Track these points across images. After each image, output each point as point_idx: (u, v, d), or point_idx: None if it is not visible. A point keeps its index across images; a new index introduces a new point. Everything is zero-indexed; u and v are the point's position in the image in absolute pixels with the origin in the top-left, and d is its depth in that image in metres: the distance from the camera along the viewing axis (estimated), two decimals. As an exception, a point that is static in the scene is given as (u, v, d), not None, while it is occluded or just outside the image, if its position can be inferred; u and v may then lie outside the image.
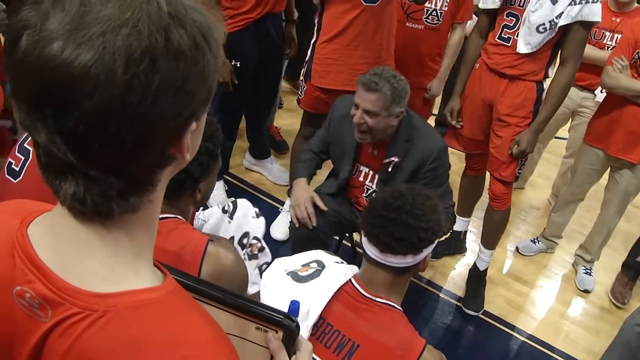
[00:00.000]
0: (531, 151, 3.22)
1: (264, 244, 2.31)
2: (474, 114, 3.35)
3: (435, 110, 4.80)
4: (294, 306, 1.04)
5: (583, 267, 3.94)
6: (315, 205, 2.87)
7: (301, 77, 3.61)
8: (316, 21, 3.43)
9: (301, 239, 2.94)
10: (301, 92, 3.55)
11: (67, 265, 0.77)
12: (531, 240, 4.12)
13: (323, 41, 3.34)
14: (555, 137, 4.56)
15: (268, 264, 2.23)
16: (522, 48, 3.00)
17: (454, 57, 3.72)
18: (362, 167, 3.01)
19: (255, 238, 2.30)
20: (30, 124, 0.70)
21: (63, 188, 0.73)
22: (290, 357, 0.95)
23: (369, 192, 3.01)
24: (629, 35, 3.39)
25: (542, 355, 3.34)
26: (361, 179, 3.02)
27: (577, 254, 4.00)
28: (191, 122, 0.75)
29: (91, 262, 0.77)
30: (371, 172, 2.99)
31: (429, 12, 3.50)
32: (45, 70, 0.66)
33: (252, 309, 0.93)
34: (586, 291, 3.86)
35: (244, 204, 2.41)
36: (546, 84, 3.16)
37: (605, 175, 3.78)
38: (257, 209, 2.41)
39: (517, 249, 4.11)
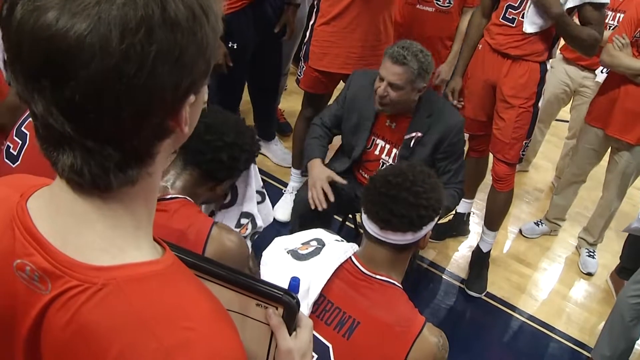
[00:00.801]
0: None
1: (257, 221, 2.30)
2: (477, 95, 3.34)
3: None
4: (294, 282, 1.04)
5: (586, 250, 3.93)
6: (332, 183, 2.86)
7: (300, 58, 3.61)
8: (315, 3, 3.42)
9: (301, 217, 2.96)
10: (300, 73, 3.55)
11: (66, 238, 0.78)
12: (534, 223, 4.12)
13: (321, 23, 3.35)
14: (558, 120, 4.54)
15: (258, 233, 2.24)
16: (528, 28, 2.98)
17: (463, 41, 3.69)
18: (378, 141, 2.99)
19: (245, 214, 2.29)
20: (28, 95, 0.70)
21: (61, 160, 0.73)
22: (290, 334, 0.95)
23: (385, 166, 2.98)
24: (632, 14, 3.36)
25: (544, 336, 3.35)
26: (377, 152, 3.00)
27: (580, 236, 4.00)
28: (189, 95, 0.75)
29: (90, 234, 0.77)
30: (388, 146, 2.97)
31: None
32: (41, 40, 0.66)
33: (252, 286, 0.94)
34: (589, 274, 3.86)
35: None
36: (549, 64, 3.14)
37: (607, 157, 3.77)
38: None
39: (520, 231, 4.11)
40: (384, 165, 2.98)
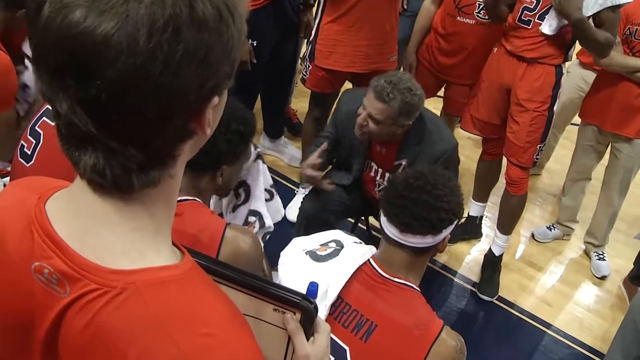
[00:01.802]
0: None
1: (265, 220, 2.27)
2: (491, 98, 3.32)
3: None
4: (313, 287, 1.04)
5: (595, 254, 3.90)
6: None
7: (305, 57, 3.60)
8: (321, 1, 3.41)
9: (309, 220, 2.96)
10: (306, 72, 3.54)
11: (85, 240, 0.77)
12: (547, 227, 4.09)
13: (327, 22, 3.33)
14: (572, 124, 4.51)
15: (269, 233, 2.22)
16: (546, 29, 2.96)
17: None
18: (372, 164, 2.97)
19: (252, 212, 2.26)
20: (52, 94, 0.70)
21: (83, 160, 0.72)
22: (308, 339, 0.94)
23: (380, 187, 2.97)
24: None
25: (556, 341, 3.33)
26: (372, 174, 2.99)
27: (586, 240, 3.96)
28: (213, 96, 0.75)
29: (109, 237, 0.77)
30: (380, 170, 2.95)
31: (481, 6, 3.39)
32: (67, 38, 0.66)
33: (269, 291, 0.93)
34: (603, 277, 3.82)
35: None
36: (565, 67, 3.13)
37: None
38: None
39: (532, 235, 4.09)
40: (380, 187, 2.96)
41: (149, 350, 0.72)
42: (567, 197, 3.98)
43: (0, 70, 2.50)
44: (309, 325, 0.94)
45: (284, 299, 0.92)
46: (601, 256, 3.89)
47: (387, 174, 2.91)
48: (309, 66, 3.51)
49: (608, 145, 3.70)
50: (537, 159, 3.29)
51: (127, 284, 0.74)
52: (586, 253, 4.01)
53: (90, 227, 0.77)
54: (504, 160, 3.46)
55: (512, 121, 3.22)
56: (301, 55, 4.11)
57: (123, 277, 0.74)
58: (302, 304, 0.92)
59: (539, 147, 3.23)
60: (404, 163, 2.81)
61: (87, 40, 0.65)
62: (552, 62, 3.07)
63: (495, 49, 3.26)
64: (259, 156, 2.29)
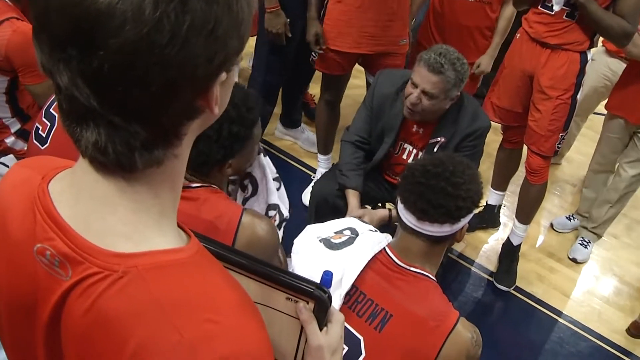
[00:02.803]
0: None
1: (283, 211, 2.24)
2: (513, 86, 3.26)
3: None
4: (327, 277, 1.01)
5: (581, 238, 3.81)
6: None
7: None
8: None
9: (317, 208, 2.94)
10: (315, 54, 3.49)
11: (88, 222, 0.75)
12: (566, 217, 4.03)
13: (334, 2, 3.30)
14: (595, 113, 4.42)
15: (286, 221, 2.19)
16: (555, 6, 2.90)
17: (506, 33, 3.57)
18: (406, 145, 2.93)
19: (271, 206, 2.23)
20: (52, 66, 0.67)
21: (84, 136, 0.70)
22: (321, 329, 0.92)
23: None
24: None
25: (573, 332, 3.29)
26: (404, 156, 2.95)
27: (584, 225, 3.85)
28: (221, 72, 0.72)
29: (112, 219, 0.75)
30: (415, 150, 2.92)
31: None
32: (70, 6, 0.63)
33: (283, 279, 0.91)
34: (574, 260, 3.75)
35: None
36: (590, 54, 3.05)
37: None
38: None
39: (551, 225, 4.03)
40: None
41: (150, 337, 0.70)
42: (587, 189, 3.91)
43: (27, 40, 2.51)
44: (322, 315, 0.92)
45: (297, 287, 0.90)
46: (586, 243, 3.80)
47: (420, 153, 2.88)
48: None
49: (630, 137, 3.60)
50: (558, 147, 3.23)
51: (128, 267, 0.72)
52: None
53: (93, 208, 0.75)
54: (524, 148, 3.41)
55: (534, 109, 3.16)
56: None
57: (125, 260, 0.72)
58: (316, 294, 0.90)
59: (561, 135, 3.17)
60: (441, 140, 2.78)
61: (90, 9, 0.62)
62: (576, 49, 2.99)
63: (518, 34, 3.20)
64: (259, 151, 2.24)
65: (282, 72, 3.76)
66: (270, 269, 0.91)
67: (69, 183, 0.80)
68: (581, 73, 3.03)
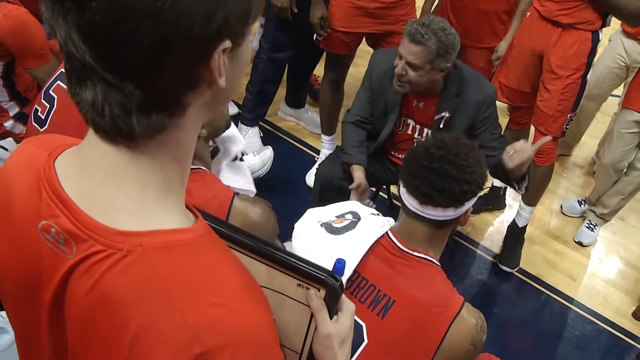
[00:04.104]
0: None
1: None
2: (522, 65, 3.20)
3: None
4: (339, 264, 1.00)
5: (588, 221, 3.76)
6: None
7: None
8: None
9: (322, 190, 2.92)
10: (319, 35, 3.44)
11: (93, 198, 0.73)
12: (578, 201, 3.96)
13: None
14: (612, 95, 4.31)
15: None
16: None
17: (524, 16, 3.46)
18: (409, 121, 2.89)
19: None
20: (54, 20, 0.67)
21: (83, 97, 0.69)
22: (331, 317, 0.90)
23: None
24: None
25: (578, 316, 3.26)
26: (409, 132, 2.91)
27: (592, 209, 3.78)
28: (223, 38, 0.69)
29: (117, 195, 0.73)
30: (418, 126, 2.88)
31: None
32: None
33: (295, 265, 0.89)
34: (580, 244, 3.71)
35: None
36: (602, 34, 2.97)
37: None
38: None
39: (561, 207, 3.97)
40: None
41: (153, 319, 0.69)
42: (600, 181, 3.77)
43: (18, 23, 2.50)
44: (333, 303, 0.90)
45: (309, 274, 0.89)
46: (592, 227, 3.75)
47: (427, 130, 2.84)
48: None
49: None
50: (566, 128, 3.18)
51: (133, 246, 0.70)
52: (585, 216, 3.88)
53: (98, 184, 0.74)
54: (532, 130, 3.36)
55: (544, 89, 3.10)
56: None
57: (129, 238, 0.71)
58: (328, 281, 0.88)
59: (570, 116, 3.11)
60: (445, 115, 2.73)
61: None
62: (588, 28, 2.92)
63: (529, 13, 3.14)
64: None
65: (289, 50, 3.71)
66: (283, 255, 0.90)
67: (76, 159, 0.78)
68: (592, 52, 2.97)
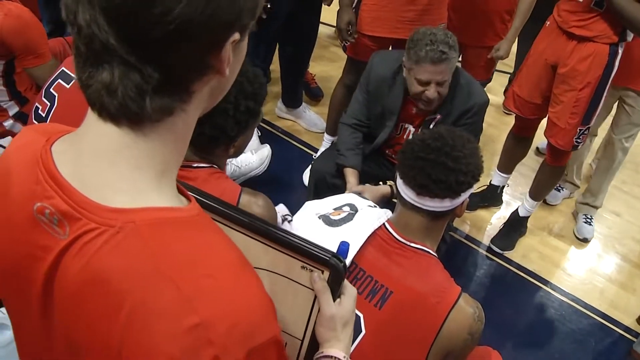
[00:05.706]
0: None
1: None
2: (535, 74, 3.15)
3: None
4: (344, 247, 1.01)
5: (583, 216, 3.77)
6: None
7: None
8: None
9: (316, 186, 2.94)
10: (347, 41, 3.40)
11: (87, 178, 0.75)
12: (555, 189, 3.93)
13: None
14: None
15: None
16: None
17: (526, 17, 3.41)
18: (407, 125, 2.91)
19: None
20: (74, 5, 0.68)
21: (97, 80, 0.70)
22: (334, 300, 0.92)
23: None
24: None
25: (575, 311, 3.28)
26: (406, 136, 2.94)
27: (582, 201, 3.79)
28: (234, 30, 0.72)
29: (111, 175, 0.74)
30: (413, 130, 2.91)
31: None
32: None
33: (299, 246, 0.91)
34: (585, 240, 3.72)
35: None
36: (621, 48, 2.89)
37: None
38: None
39: (544, 200, 3.91)
40: None
41: (147, 293, 0.69)
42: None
43: (19, 22, 2.52)
44: (336, 285, 0.92)
45: (313, 255, 0.91)
46: (589, 220, 3.77)
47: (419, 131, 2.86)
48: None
49: (616, 100, 3.50)
50: (578, 142, 3.12)
51: (125, 222, 0.71)
52: (573, 215, 3.91)
53: (94, 164, 0.75)
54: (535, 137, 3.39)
55: (556, 100, 3.06)
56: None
57: (122, 215, 0.72)
58: (331, 262, 0.90)
59: (580, 130, 3.06)
60: (437, 117, 2.76)
61: None
62: (604, 41, 2.84)
63: (548, 22, 3.09)
64: None
65: (266, 50, 3.72)
66: (287, 236, 0.91)
67: (72, 143, 0.80)
68: (609, 66, 2.88)
